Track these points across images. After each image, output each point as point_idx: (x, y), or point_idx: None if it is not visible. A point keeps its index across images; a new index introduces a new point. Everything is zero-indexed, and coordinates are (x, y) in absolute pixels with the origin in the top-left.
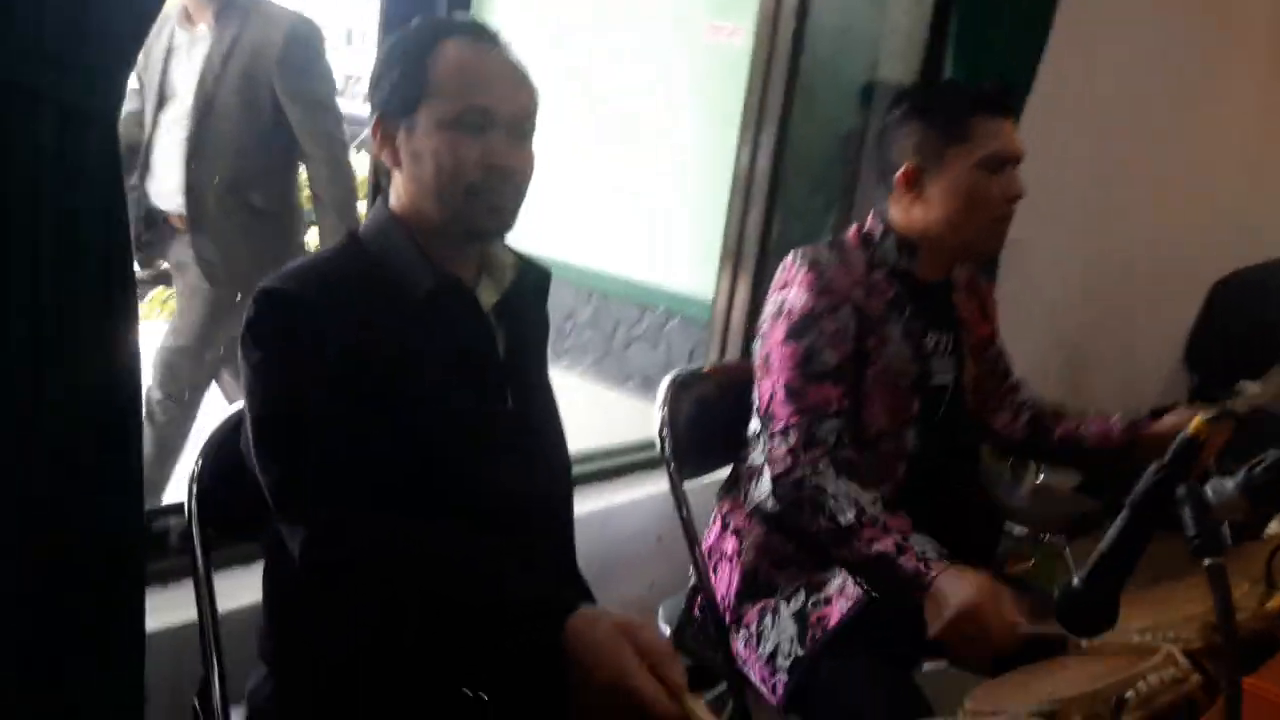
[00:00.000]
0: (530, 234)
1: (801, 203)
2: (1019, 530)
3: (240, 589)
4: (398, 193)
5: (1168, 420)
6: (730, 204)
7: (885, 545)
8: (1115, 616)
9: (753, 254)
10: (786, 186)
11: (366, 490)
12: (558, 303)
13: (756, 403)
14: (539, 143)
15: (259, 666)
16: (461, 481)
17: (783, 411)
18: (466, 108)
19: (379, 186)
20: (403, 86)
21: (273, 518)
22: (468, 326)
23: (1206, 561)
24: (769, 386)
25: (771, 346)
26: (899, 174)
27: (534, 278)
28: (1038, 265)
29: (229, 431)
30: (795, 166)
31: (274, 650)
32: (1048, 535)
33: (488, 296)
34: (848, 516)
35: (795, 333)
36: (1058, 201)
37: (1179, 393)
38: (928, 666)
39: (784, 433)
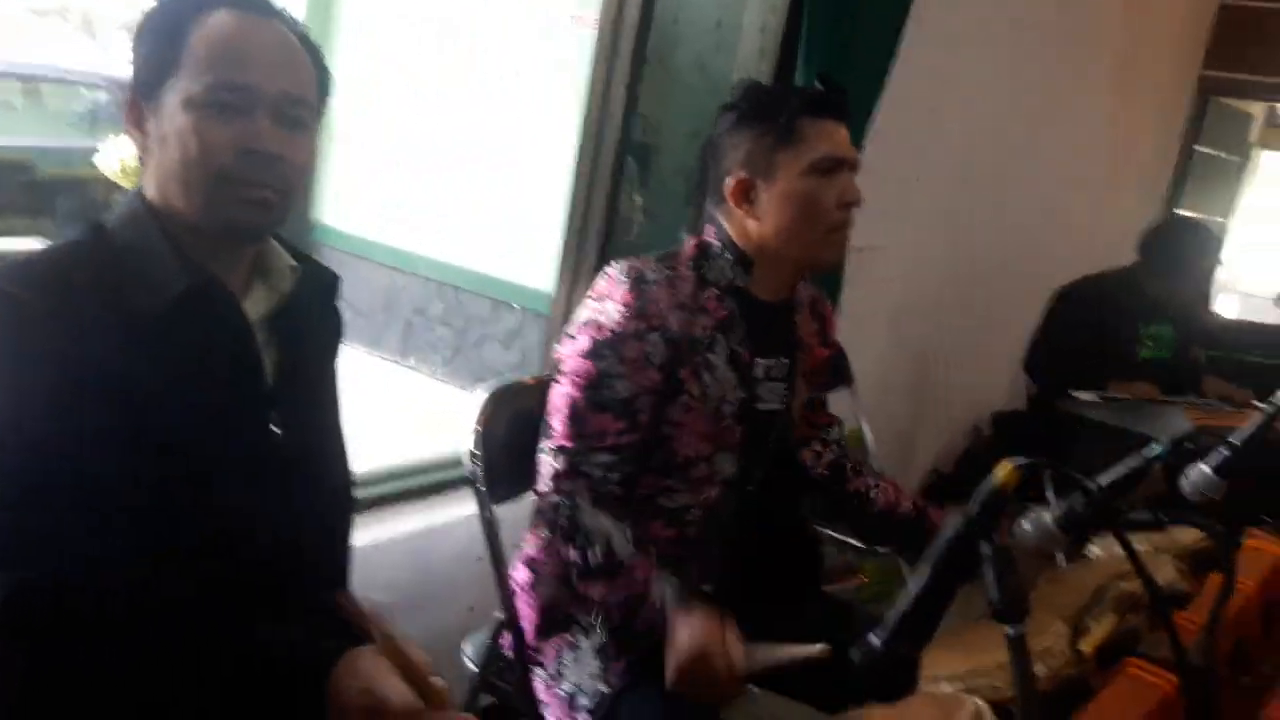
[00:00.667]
0: (380, 223)
1: (667, 201)
2: (853, 544)
3: None
4: (149, 181)
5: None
6: (572, 201)
7: (629, 587)
8: (915, 680)
9: (594, 253)
10: (653, 184)
11: (92, 536)
12: (409, 297)
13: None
14: (351, 132)
15: None
16: (216, 519)
17: (560, 429)
18: (219, 83)
19: None
20: (154, 61)
21: None
22: (226, 340)
23: (1008, 631)
24: (556, 396)
25: (570, 355)
26: (730, 185)
27: (319, 284)
28: (885, 271)
29: None
30: (662, 166)
31: None
32: (880, 549)
33: (258, 306)
34: (596, 555)
35: (595, 352)
36: (907, 208)
37: (1020, 400)
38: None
39: (554, 452)
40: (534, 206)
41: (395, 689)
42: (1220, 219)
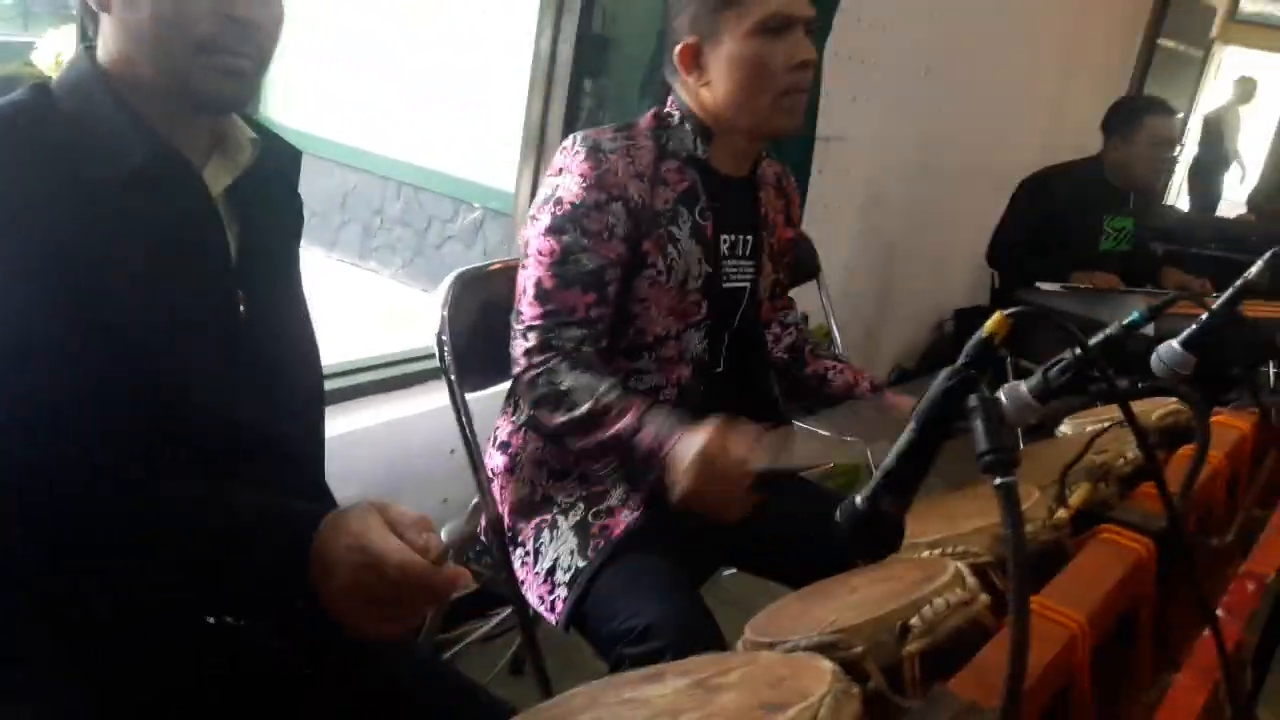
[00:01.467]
0: (333, 120)
1: (619, 91)
2: (822, 433)
3: None
4: (105, 43)
5: (907, 402)
6: (530, 93)
7: (623, 424)
8: (900, 539)
9: (554, 147)
10: (606, 75)
11: (54, 416)
12: (365, 198)
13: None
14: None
15: None
16: (180, 404)
17: (529, 311)
18: None
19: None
20: None
21: None
22: (188, 214)
23: (998, 481)
24: (523, 279)
25: (533, 236)
26: (678, 51)
27: (280, 159)
28: (851, 162)
29: None
30: (616, 56)
31: None
32: (849, 438)
33: (218, 179)
34: (585, 406)
35: (557, 227)
36: (870, 97)
37: (983, 291)
38: (727, 573)
39: (525, 333)
40: (493, 103)
41: (391, 543)
42: (1180, 114)
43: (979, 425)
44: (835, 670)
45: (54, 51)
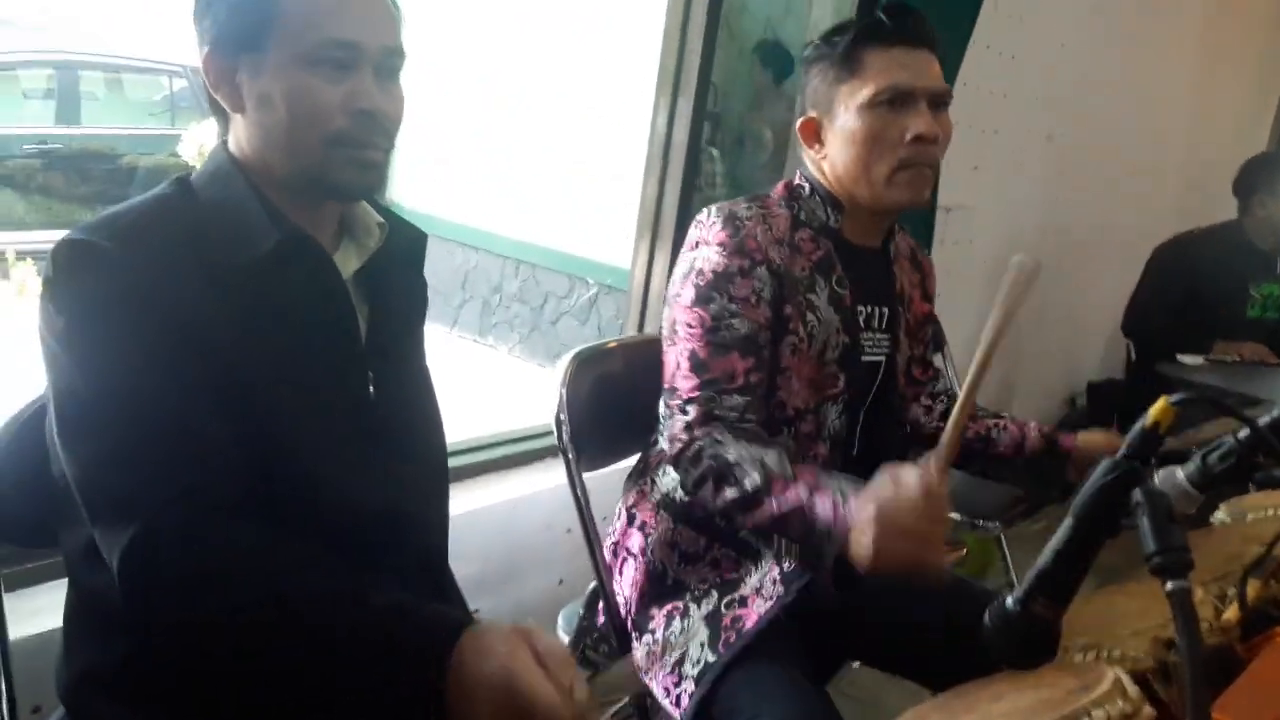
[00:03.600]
0: (454, 201)
1: (739, 168)
2: (953, 516)
3: (36, 612)
4: (239, 139)
5: (1084, 436)
6: (646, 171)
7: (797, 494)
8: (1055, 647)
9: (671, 222)
10: (723, 150)
11: (205, 488)
12: (485, 276)
13: (663, 376)
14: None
15: (57, 709)
16: (310, 484)
17: (685, 385)
18: (327, 41)
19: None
20: (242, 13)
21: (82, 521)
22: (321, 295)
23: (1169, 586)
24: (673, 357)
25: (678, 312)
26: (799, 125)
27: (406, 241)
28: (974, 232)
29: (23, 422)
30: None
31: (75, 689)
32: (982, 521)
33: (348, 262)
34: (754, 479)
35: (704, 297)
36: (991, 164)
37: (1117, 364)
38: (855, 665)
39: (684, 407)
40: (608, 181)
41: (541, 683)
42: None
43: (1145, 523)
44: None
45: (197, 143)
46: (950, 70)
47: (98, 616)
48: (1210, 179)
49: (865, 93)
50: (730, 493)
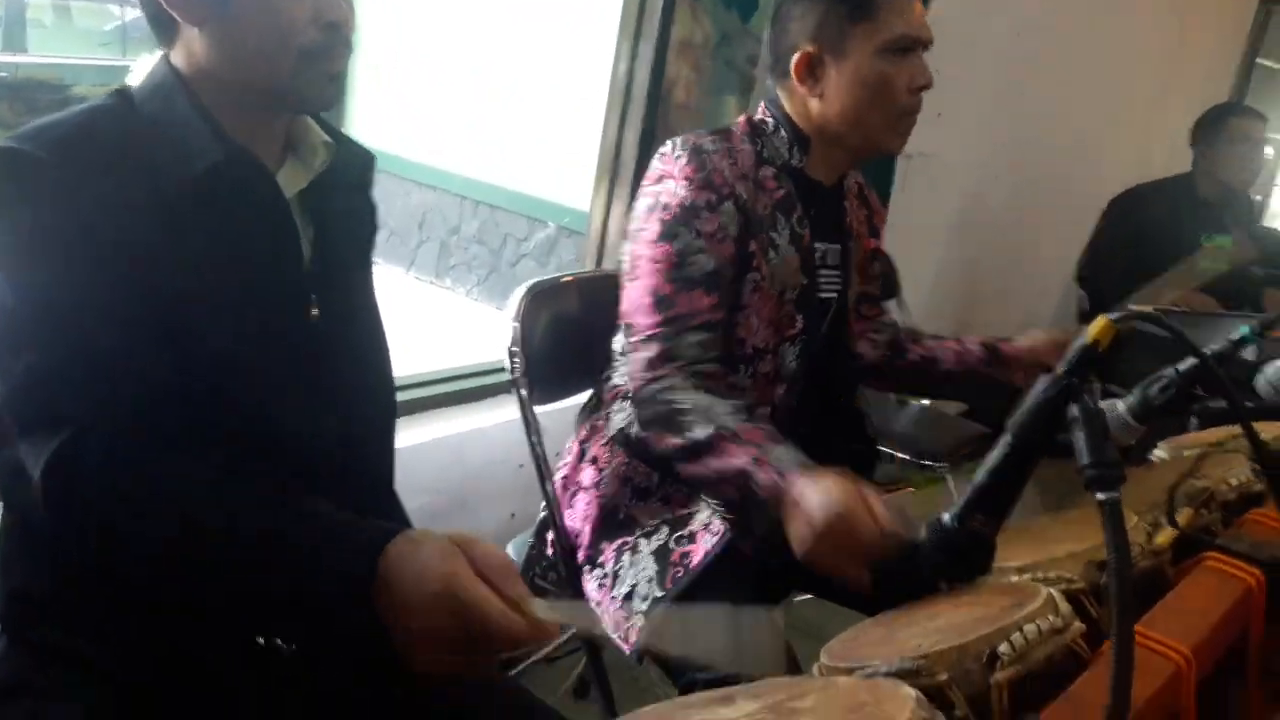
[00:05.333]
0: (412, 140)
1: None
2: (902, 456)
3: None
4: (190, 52)
5: (1024, 342)
6: (607, 114)
7: (740, 460)
8: (991, 560)
9: (631, 166)
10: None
11: (135, 403)
12: (442, 217)
13: (621, 311)
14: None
15: None
16: (248, 405)
17: (646, 321)
18: None
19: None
20: None
21: (13, 440)
22: (262, 215)
23: (1101, 497)
24: (635, 292)
25: (641, 246)
26: (795, 59)
27: (354, 162)
28: (935, 180)
29: None
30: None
31: (10, 610)
32: (931, 462)
33: (292, 182)
34: (701, 432)
35: (669, 232)
36: (956, 113)
37: (1072, 313)
38: (799, 599)
39: (643, 343)
40: (569, 123)
41: (487, 597)
42: (1278, 135)
43: (1081, 437)
44: (918, 697)
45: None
46: None
47: (30, 537)
48: (1171, 133)
49: (882, 37)
50: (675, 440)
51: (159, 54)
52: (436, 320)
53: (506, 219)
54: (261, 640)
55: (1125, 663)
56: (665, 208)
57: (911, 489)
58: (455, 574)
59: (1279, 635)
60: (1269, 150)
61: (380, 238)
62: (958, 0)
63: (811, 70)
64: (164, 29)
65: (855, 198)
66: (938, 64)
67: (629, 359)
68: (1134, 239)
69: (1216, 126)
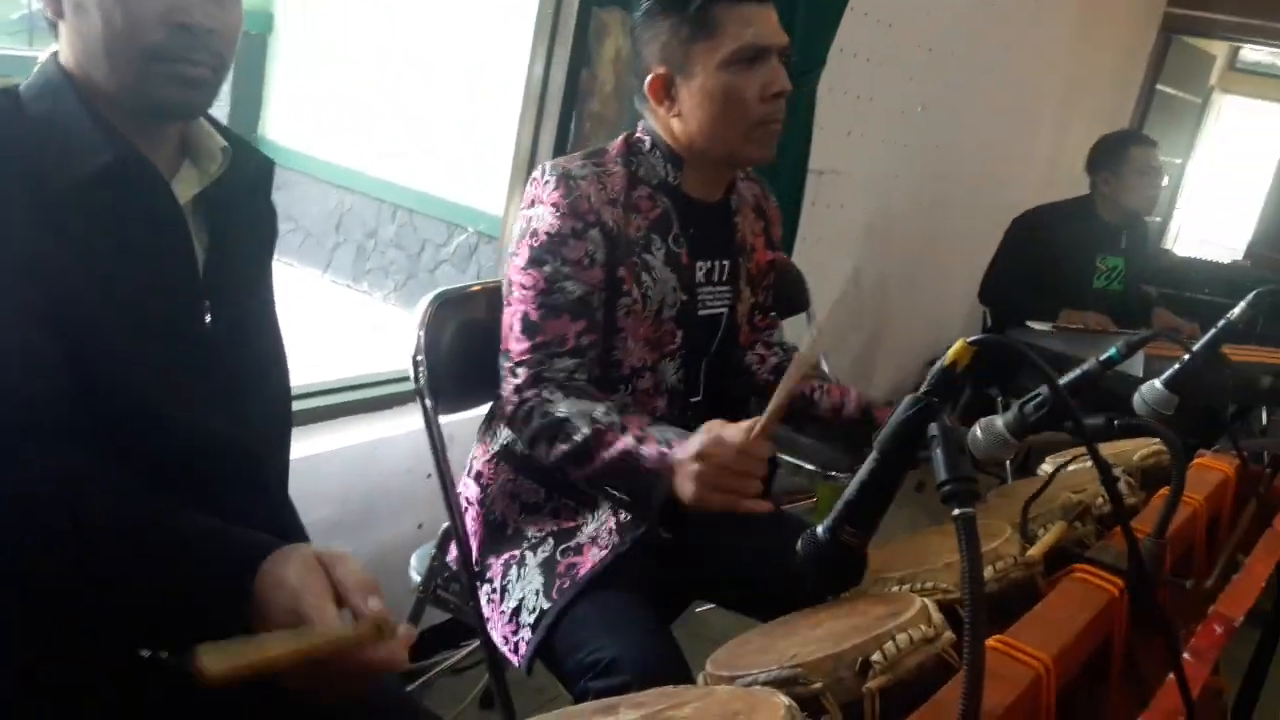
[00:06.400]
0: (329, 141)
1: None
2: (807, 467)
3: None
4: (65, 48)
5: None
6: (522, 119)
7: (625, 443)
8: (861, 570)
9: None
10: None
11: (23, 409)
12: (359, 220)
13: (501, 334)
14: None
15: None
16: (141, 412)
17: (517, 347)
18: None
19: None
20: None
21: None
22: (154, 220)
23: (956, 511)
24: (508, 317)
25: (514, 272)
26: (648, 82)
27: (252, 168)
28: (844, 196)
29: None
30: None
31: None
32: (834, 473)
33: (187, 187)
34: (584, 433)
35: (537, 259)
36: (864, 131)
37: (976, 329)
38: (704, 608)
39: (514, 369)
40: (487, 127)
41: (326, 613)
42: (1178, 160)
43: (939, 454)
44: (791, 706)
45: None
46: (827, 35)
47: None
48: (1073, 156)
49: (723, 52)
50: (562, 447)
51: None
52: (352, 324)
53: (425, 223)
54: (146, 652)
55: (976, 667)
56: (534, 234)
57: (814, 498)
58: (305, 590)
59: (1142, 642)
60: (1165, 176)
61: (296, 239)
62: (868, 20)
63: (666, 91)
64: (49, 23)
65: (751, 209)
66: (848, 84)
67: (502, 383)
68: (1034, 258)
69: (1119, 155)
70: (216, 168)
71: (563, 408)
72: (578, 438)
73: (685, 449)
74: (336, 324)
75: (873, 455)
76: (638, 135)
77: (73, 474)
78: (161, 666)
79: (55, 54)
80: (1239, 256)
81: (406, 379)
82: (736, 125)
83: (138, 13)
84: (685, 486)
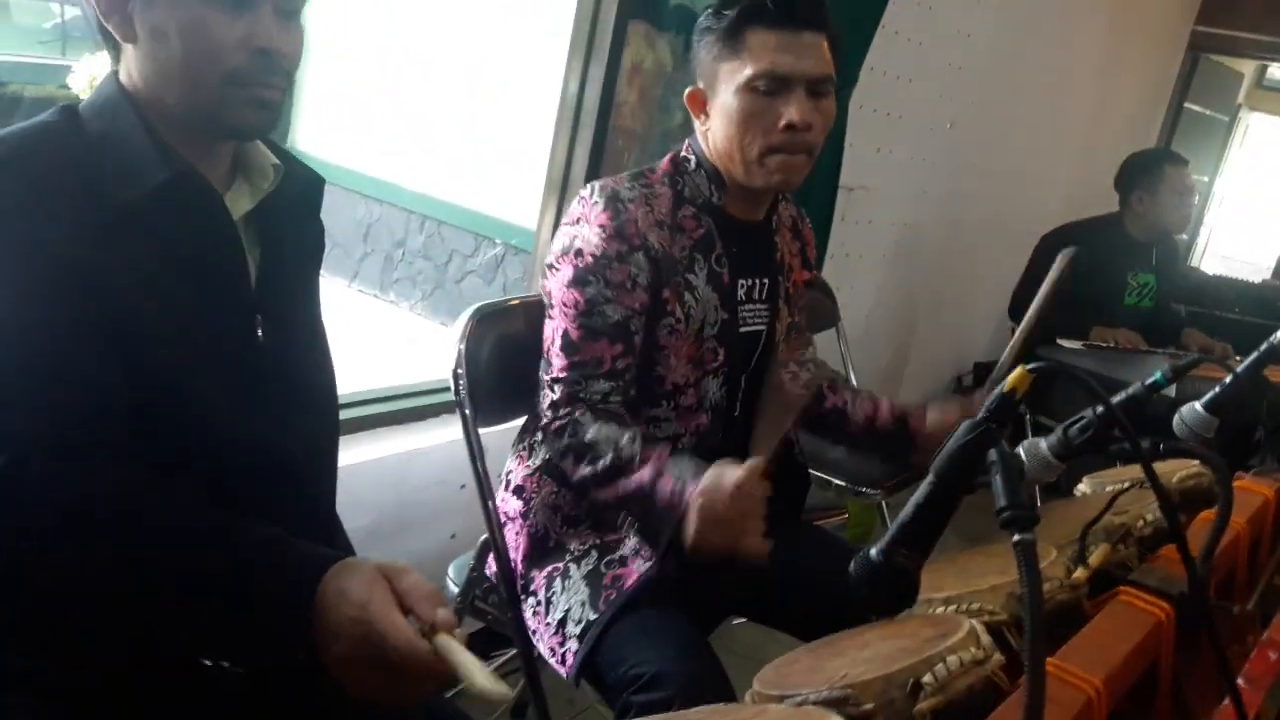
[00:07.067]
0: (359, 152)
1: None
2: (838, 483)
3: None
4: (130, 70)
5: (934, 415)
6: (556, 134)
7: (644, 476)
8: (915, 594)
9: (580, 185)
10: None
11: (80, 425)
12: (388, 230)
13: (543, 342)
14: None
15: None
16: (195, 427)
17: (556, 362)
18: None
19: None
20: None
21: None
22: (209, 236)
23: (1016, 538)
24: (550, 330)
25: (555, 287)
26: (687, 94)
27: (302, 184)
28: (873, 213)
29: None
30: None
31: None
32: (864, 489)
33: (240, 203)
34: (607, 460)
35: (580, 279)
36: (894, 149)
37: (1003, 346)
38: (736, 623)
39: (552, 385)
40: (517, 141)
41: (396, 622)
42: (1205, 178)
43: (998, 481)
44: None
45: (88, 75)
46: (858, 54)
47: None
48: (1101, 173)
49: (743, 75)
50: (585, 470)
51: (99, 55)
52: (379, 334)
53: (453, 234)
54: (208, 662)
55: (1037, 693)
56: (579, 254)
57: (846, 515)
58: (371, 600)
59: (1188, 666)
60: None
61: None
62: (899, 39)
63: (701, 106)
64: (111, 44)
65: (789, 230)
66: (879, 101)
67: (541, 394)
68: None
69: (1154, 173)
70: (269, 184)
71: (591, 431)
72: (600, 465)
73: (692, 489)
74: (364, 333)
75: (929, 479)
76: (683, 154)
77: (132, 489)
78: (227, 676)
79: (114, 74)
80: (1265, 274)
81: (441, 390)
82: (747, 149)
83: (219, 38)
84: (688, 527)
